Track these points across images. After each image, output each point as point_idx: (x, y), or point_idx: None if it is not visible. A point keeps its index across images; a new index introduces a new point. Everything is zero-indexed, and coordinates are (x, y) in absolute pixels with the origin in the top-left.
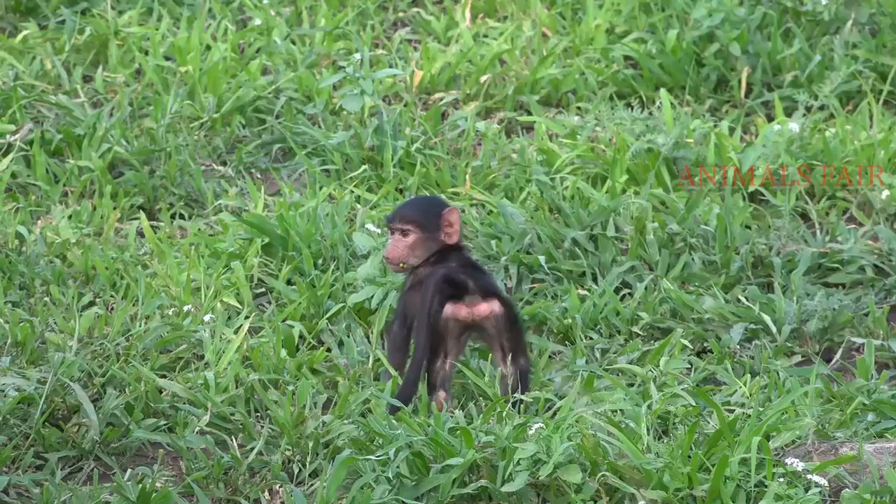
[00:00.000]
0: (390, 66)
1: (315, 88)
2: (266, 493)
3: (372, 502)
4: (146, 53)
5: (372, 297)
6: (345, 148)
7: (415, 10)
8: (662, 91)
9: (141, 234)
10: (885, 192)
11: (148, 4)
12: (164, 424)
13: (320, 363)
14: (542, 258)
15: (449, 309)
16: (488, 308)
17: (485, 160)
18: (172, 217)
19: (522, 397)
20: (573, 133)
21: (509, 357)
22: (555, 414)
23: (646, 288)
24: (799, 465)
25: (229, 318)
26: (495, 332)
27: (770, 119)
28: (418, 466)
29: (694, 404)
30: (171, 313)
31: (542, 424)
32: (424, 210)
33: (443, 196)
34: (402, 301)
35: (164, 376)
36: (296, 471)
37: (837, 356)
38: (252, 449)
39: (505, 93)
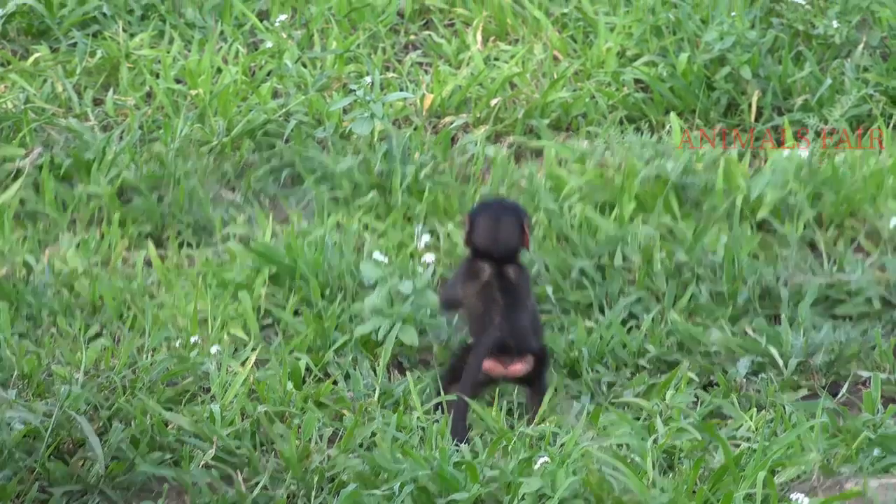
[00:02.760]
0: (401, 90)
1: (325, 112)
2: None
3: None
4: (157, 76)
5: (379, 328)
6: (353, 174)
7: (426, 33)
8: (672, 115)
9: (148, 262)
10: (894, 221)
11: (159, 27)
12: (170, 458)
13: (326, 396)
14: (549, 288)
15: (486, 364)
16: (523, 368)
17: (493, 186)
18: (180, 245)
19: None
20: (582, 158)
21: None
22: (560, 448)
23: (653, 320)
24: (804, 501)
25: (236, 349)
26: (525, 382)
27: (780, 143)
28: (423, 501)
29: (700, 438)
30: (177, 345)
31: (547, 459)
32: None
33: (507, 202)
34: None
35: (169, 409)
36: None
37: (844, 390)
38: (257, 483)
39: (515, 116)
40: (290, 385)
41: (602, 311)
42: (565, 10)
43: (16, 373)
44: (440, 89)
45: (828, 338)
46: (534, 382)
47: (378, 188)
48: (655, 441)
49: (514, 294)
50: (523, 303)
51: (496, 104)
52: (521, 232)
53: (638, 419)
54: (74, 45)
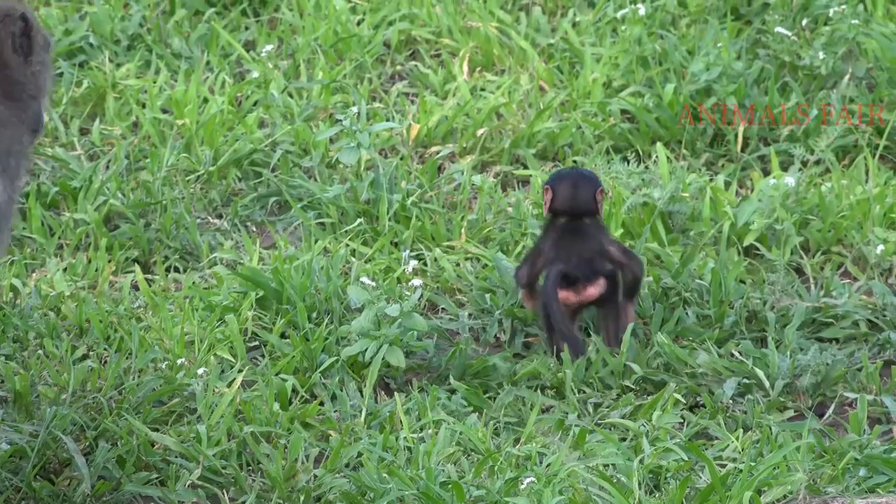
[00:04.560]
0: (387, 120)
1: (312, 141)
2: None
3: None
4: (143, 106)
5: (365, 350)
6: (340, 201)
7: (412, 63)
8: (659, 145)
9: (135, 287)
10: (880, 247)
11: (146, 57)
12: (156, 478)
13: (313, 416)
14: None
15: (561, 294)
16: (595, 291)
17: (480, 214)
18: (167, 270)
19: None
20: None
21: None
22: (547, 468)
23: (639, 342)
24: None
25: (222, 371)
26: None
27: (766, 173)
28: None
29: (686, 459)
30: (164, 367)
31: (533, 479)
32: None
33: (583, 171)
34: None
35: (156, 430)
36: None
37: (830, 411)
38: (244, 503)
39: (501, 146)
40: (276, 406)
41: (588, 333)
42: (551, 41)
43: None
44: (426, 119)
45: (814, 360)
46: (608, 304)
47: (365, 215)
48: (642, 461)
49: (585, 231)
50: (594, 236)
51: (482, 134)
52: (595, 199)
53: (624, 440)
54: (61, 74)
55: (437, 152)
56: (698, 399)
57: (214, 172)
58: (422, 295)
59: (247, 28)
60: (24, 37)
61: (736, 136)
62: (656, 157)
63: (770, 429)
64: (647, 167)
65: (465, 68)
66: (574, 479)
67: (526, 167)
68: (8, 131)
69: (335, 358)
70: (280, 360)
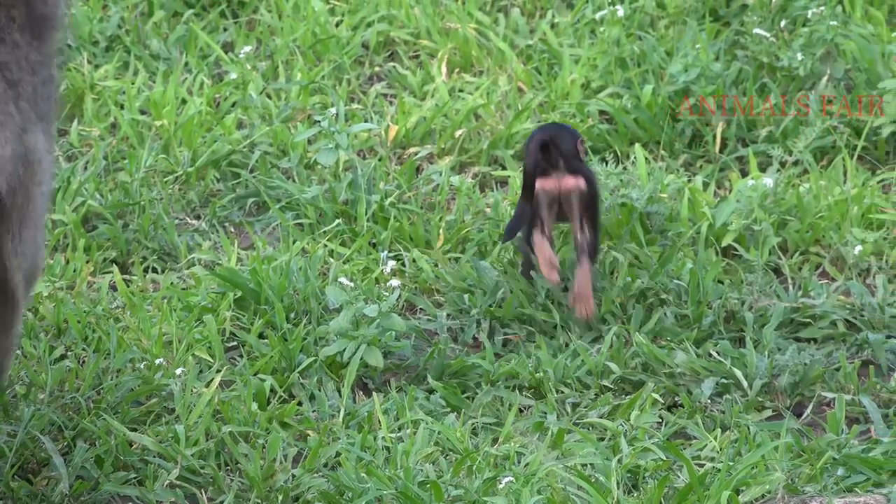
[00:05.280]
0: (365, 121)
1: (290, 142)
2: None
3: None
4: (122, 107)
5: (344, 350)
6: (319, 202)
7: (391, 64)
8: (637, 146)
9: (114, 287)
10: (858, 248)
11: (124, 59)
12: (134, 478)
13: (291, 416)
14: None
15: (539, 183)
16: (573, 182)
17: (458, 214)
18: (145, 271)
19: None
20: None
21: (585, 228)
22: (525, 467)
23: (615, 341)
24: None
25: (201, 371)
26: (577, 206)
27: (744, 174)
28: None
29: (664, 458)
30: (142, 367)
31: (512, 478)
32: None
33: (562, 124)
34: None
35: (134, 429)
36: None
37: (808, 411)
38: (222, 502)
39: (479, 147)
40: (254, 406)
41: (568, 334)
42: (530, 43)
43: None
44: (405, 120)
45: (792, 360)
46: (586, 217)
47: (343, 216)
48: (620, 461)
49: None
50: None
51: (461, 135)
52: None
53: (602, 439)
54: None
55: (416, 153)
56: (676, 399)
57: (192, 173)
58: (400, 295)
59: (225, 29)
60: None
61: (714, 137)
62: (634, 157)
63: (748, 428)
64: (625, 168)
65: (444, 69)
66: (552, 478)
67: (504, 168)
68: (38, 77)
69: (313, 358)
70: (258, 361)
